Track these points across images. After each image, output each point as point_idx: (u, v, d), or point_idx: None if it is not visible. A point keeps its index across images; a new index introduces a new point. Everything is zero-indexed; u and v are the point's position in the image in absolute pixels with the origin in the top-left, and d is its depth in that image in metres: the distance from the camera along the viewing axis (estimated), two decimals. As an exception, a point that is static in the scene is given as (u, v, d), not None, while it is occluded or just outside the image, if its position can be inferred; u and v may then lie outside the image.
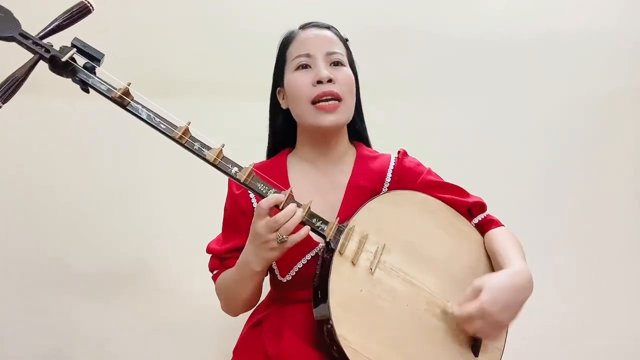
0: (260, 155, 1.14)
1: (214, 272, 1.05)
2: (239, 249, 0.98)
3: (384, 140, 1.16)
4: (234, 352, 1.05)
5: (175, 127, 0.86)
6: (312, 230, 0.91)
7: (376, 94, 1.16)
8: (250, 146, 1.07)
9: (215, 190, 1.06)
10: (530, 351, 1.45)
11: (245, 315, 1.08)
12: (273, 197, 0.86)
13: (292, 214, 0.85)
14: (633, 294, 1.59)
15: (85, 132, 1.48)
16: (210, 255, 1.06)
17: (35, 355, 1.45)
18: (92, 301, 1.47)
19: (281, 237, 0.85)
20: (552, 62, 1.61)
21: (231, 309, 1.04)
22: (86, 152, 1.49)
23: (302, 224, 0.90)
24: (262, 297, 1.10)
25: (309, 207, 0.90)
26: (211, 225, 1.09)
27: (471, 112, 1.60)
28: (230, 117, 1.51)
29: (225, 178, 1.04)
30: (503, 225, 1.05)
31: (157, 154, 1.43)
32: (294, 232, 0.86)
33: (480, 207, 1.05)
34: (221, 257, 1.04)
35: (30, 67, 0.81)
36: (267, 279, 1.09)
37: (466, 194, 1.06)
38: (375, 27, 1.57)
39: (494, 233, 1.01)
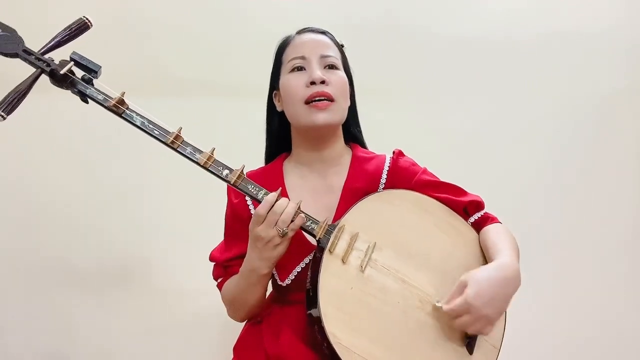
0: (256, 156, 1.16)
1: (219, 280, 1.08)
2: (241, 256, 1.00)
3: (383, 141, 1.16)
4: (234, 350, 1.07)
5: (168, 132, 0.90)
6: (303, 230, 0.92)
7: (375, 94, 1.18)
8: (247, 146, 1.10)
9: (214, 189, 1.09)
10: (529, 351, 1.42)
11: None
12: (267, 200, 0.89)
13: (285, 205, 0.89)
14: (633, 294, 1.56)
15: (84, 132, 1.51)
16: (214, 263, 1.09)
17: (35, 355, 1.48)
18: (93, 300, 1.50)
19: (282, 230, 0.88)
20: (552, 62, 1.60)
21: (238, 315, 1.07)
22: (85, 152, 1.53)
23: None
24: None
25: (299, 207, 0.92)
26: (211, 224, 1.12)
27: (471, 112, 1.59)
28: (228, 117, 1.54)
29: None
30: (500, 223, 1.04)
31: (156, 153, 1.43)
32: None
33: (477, 205, 1.04)
34: (224, 265, 1.06)
35: (32, 81, 0.87)
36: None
37: (463, 193, 1.05)
38: (375, 27, 1.57)
39: (487, 229, 1.01)
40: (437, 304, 0.91)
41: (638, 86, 1.60)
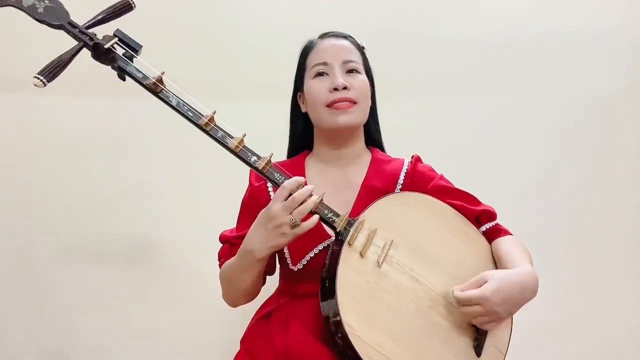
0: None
1: (221, 260, 1.08)
2: None
3: (384, 140, 1.19)
4: (241, 342, 1.07)
5: (202, 115, 0.92)
6: (323, 221, 0.94)
7: (376, 95, 1.18)
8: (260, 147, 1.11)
9: (218, 186, 1.10)
10: (528, 350, 1.42)
11: (252, 307, 1.11)
12: (295, 178, 0.91)
13: (308, 195, 0.89)
14: (634, 294, 1.57)
15: (88, 129, 1.51)
16: (222, 244, 1.10)
17: (35, 353, 1.46)
18: (93, 299, 1.48)
19: (294, 221, 0.88)
20: (552, 62, 1.61)
21: (230, 298, 1.07)
22: (87, 149, 1.52)
23: (315, 213, 0.94)
24: (271, 291, 1.13)
25: (322, 199, 0.94)
26: (215, 222, 1.13)
27: (470, 113, 1.60)
28: (242, 117, 1.52)
29: (231, 174, 1.10)
30: (512, 235, 1.07)
31: (158, 151, 1.48)
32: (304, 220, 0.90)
33: (489, 216, 1.07)
34: (231, 243, 1.07)
35: (75, 53, 0.89)
36: (276, 274, 1.12)
37: (477, 202, 1.08)
38: (375, 28, 1.58)
39: (501, 240, 1.04)
40: (452, 290, 0.92)
41: (638, 86, 1.62)
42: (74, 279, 1.49)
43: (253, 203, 1.08)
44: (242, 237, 1.05)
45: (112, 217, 1.51)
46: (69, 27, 0.90)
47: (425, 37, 1.62)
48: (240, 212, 1.12)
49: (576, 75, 1.62)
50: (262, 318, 1.07)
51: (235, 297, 1.06)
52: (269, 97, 1.23)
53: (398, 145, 1.16)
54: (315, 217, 0.91)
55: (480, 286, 0.89)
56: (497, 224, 1.07)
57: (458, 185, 1.09)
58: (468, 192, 1.09)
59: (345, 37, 1.13)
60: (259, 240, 0.92)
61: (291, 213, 0.88)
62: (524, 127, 1.62)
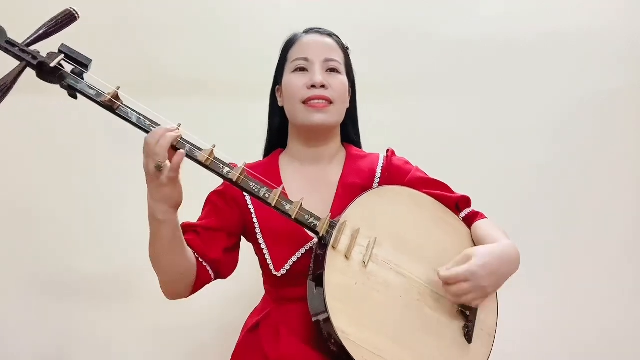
0: (253, 155, 1.15)
1: None
2: (209, 229, 0.99)
3: (382, 140, 1.17)
4: (232, 357, 1.05)
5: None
6: (305, 226, 0.92)
7: (374, 94, 1.18)
8: (243, 146, 1.08)
9: (208, 188, 1.07)
10: (526, 348, 1.46)
11: (242, 319, 1.09)
12: (157, 130, 0.84)
13: (161, 134, 0.83)
14: (633, 294, 1.59)
15: (81, 135, 1.49)
16: None
17: (35, 354, 1.45)
18: (92, 303, 1.47)
19: (158, 163, 0.81)
20: (552, 63, 1.62)
21: (161, 282, 0.97)
22: (83, 154, 1.50)
23: (296, 221, 0.91)
24: (258, 301, 1.11)
25: (301, 204, 0.92)
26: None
27: (470, 113, 1.60)
28: (224, 117, 1.52)
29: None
30: (487, 218, 1.08)
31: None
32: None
33: (466, 202, 1.08)
34: (185, 229, 0.98)
35: (17, 74, 0.81)
36: (262, 281, 1.09)
37: (452, 191, 1.09)
38: (375, 28, 1.57)
39: (479, 223, 1.05)
40: (438, 271, 0.91)
41: (637, 86, 1.61)
42: (73, 278, 1.48)
43: (221, 195, 1.04)
44: (192, 225, 1.00)
45: (110, 219, 1.50)
46: (8, 46, 0.82)
47: (424, 37, 1.60)
48: (205, 202, 1.07)
49: (575, 76, 1.62)
50: (251, 330, 1.05)
51: (164, 279, 0.96)
52: (253, 97, 1.19)
53: (395, 145, 1.15)
54: (180, 153, 0.84)
55: (466, 262, 0.89)
56: (473, 210, 1.08)
57: (458, 184, 1.09)
58: (443, 181, 1.09)
59: (330, 35, 1.10)
60: (150, 197, 0.87)
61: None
62: (523, 128, 1.62)
